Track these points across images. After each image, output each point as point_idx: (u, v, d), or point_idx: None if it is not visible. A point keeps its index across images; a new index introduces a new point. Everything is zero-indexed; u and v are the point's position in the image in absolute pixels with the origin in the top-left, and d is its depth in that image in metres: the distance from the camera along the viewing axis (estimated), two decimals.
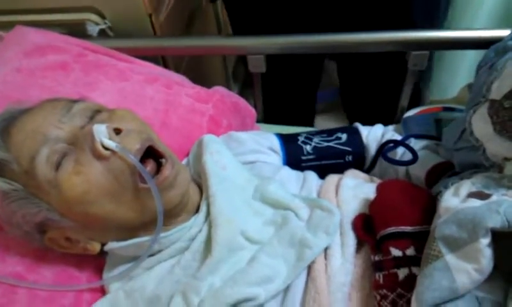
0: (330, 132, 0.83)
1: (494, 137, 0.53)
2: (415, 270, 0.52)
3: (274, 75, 1.06)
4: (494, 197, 0.47)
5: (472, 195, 0.49)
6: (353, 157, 0.81)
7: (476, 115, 0.55)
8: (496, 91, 0.53)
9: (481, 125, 0.55)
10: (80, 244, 0.61)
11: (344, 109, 1.28)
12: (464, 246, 0.45)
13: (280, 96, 1.16)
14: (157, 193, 0.54)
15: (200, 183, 0.67)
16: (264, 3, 0.92)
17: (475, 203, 0.47)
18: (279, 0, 0.90)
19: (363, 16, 0.89)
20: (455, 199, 0.50)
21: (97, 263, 0.66)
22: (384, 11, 0.88)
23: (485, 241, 0.45)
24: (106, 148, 0.54)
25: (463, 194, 0.50)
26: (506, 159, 0.53)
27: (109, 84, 0.81)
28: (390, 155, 0.76)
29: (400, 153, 0.78)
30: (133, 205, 0.57)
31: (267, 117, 1.10)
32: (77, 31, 0.91)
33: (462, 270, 0.45)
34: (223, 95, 0.89)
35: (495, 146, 0.54)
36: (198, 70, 1.24)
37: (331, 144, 0.81)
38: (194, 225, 0.62)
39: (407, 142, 0.77)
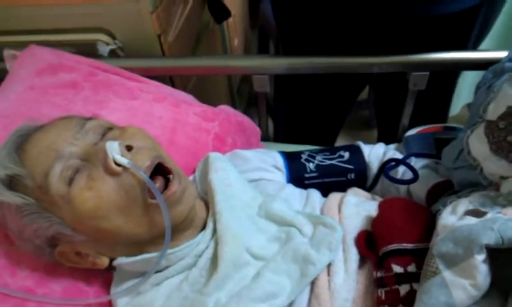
0: (333, 150, 0.85)
1: (490, 156, 0.55)
2: (415, 286, 0.53)
3: (311, 95, 1.07)
4: (489, 215, 0.48)
5: (468, 213, 0.51)
6: (355, 175, 0.83)
7: (473, 135, 0.57)
8: (492, 112, 0.55)
9: (478, 144, 0.56)
10: (90, 258, 0.62)
11: (378, 126, 1.29)
12: (461, 262, 0.47)
13: (310, 116, 1.15)
14: (165, 208, 0.56)
15: (207, 200, 0.69)
16: (316, 28, 0.94)
17: (471, 220, 0.49)
18: (333, 26, 0.91)
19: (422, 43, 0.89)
20: (452, 217, 0.52)
21: (105, 278, 0.67)
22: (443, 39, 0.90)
23: (480, 257, 0.46)
24: (118, 164, 0.56)
25: (461, 212, 0.52)
26: (502, 178, 0.55)
27: (119, 103, 0.83)
28: (391, 173, 0.78)
29: (402, 171, 0.79)
30: (142, 220, 0.58)
31: (290, 133, 1.11)
32: (88, 50, 0.93)
33: (459, 286, 0.47)
34: (228, 114, 0.91)
35: (491, 165, 0.56)
36: (204, 89, 1.27)
37: (333, 162, 0.83)
38: (201, 241, 0.63)
39: (408, 160, 0.79)
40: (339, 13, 0.88)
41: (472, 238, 0.46)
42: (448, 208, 0.54)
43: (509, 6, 1.31)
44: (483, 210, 0.50)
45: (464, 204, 0.53)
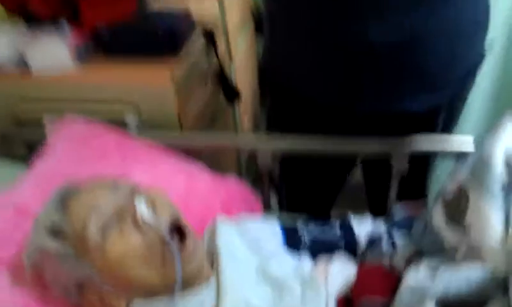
0: (327, 229, 0.92)
1: (448, 225, 0.67)
2: None
3: (306, 173, 1.17)
4: (440, 271, 0.59)
5: (425, 270, 0.62)
6: (345, 250, 0.89)
7: (435, 209, 0.70)
8: (448, 190, 0.68)
9: (438, 216, 0.69)
10: (112, 303, 0.69)
11: (369, 207, 1.35)
12: None
13: (307, 191, 1.23)
14: (179, 263, 0.65)
15: (212, 259, 0.78)
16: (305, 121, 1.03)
17: (426, 276, 0.60)
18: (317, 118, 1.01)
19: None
20: (413, 274, 0.62)
21: None
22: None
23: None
24: (144, 221, 0.67)
25: (421, 270, 0.62)
26: (458, 246, 0.66)
27: (142, 169, 0.94)
28: (375, 246, 0.88)
29: (386, 245, 0.89)
30: (160, 271, 0.66)
31: (289, 204, 1.21)
32: (117, 121, 1.06)
33: None
34: (234, 184, 1.03)
35: (449, 233, 0.67)
36: (215, 161, 1.39)
37: (326, 238, 0.90)
38: (205, 293, 0.71)
39: (391, 231, 0.88)
40: (312, 111, 0.99)
41: (424, 291, 0.56)
42: (412, 268, 0.64)
43: (485, 94, 1.44)
44: (437, 267, 0.61)
45: (424, 264, 0.64)
